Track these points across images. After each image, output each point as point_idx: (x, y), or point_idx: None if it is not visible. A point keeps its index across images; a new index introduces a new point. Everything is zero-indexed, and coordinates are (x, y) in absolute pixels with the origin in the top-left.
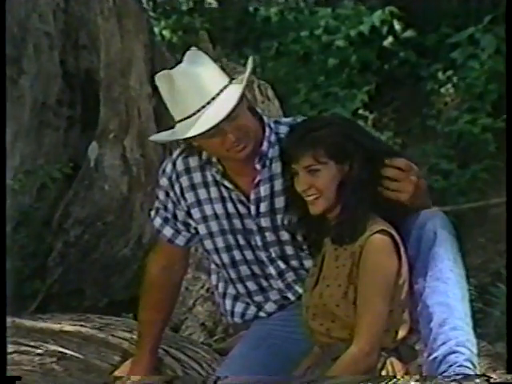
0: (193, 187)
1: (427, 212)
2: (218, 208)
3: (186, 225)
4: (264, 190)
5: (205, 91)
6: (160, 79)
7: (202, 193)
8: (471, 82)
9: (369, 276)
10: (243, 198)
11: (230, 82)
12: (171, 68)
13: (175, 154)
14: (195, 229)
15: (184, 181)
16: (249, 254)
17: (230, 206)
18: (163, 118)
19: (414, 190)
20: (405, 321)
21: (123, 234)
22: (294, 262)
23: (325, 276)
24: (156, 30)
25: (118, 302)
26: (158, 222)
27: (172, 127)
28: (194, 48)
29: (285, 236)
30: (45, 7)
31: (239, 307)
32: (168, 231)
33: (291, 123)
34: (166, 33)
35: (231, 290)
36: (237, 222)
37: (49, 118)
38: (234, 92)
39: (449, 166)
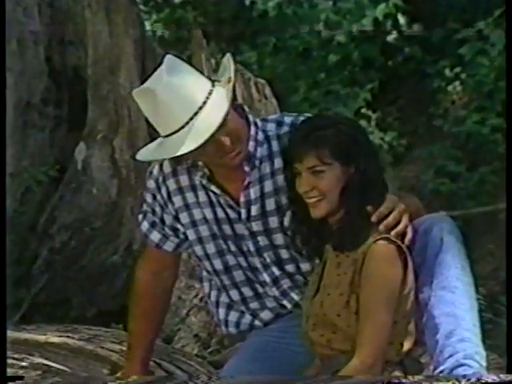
0: (180, 190)
1: (433, 217)
2: (208, 212)
3: (175, 230)
4: (254, 192)
5: (191, 101)
6: (140, 95)
7: (190, 196)
8: (480, 80)
9: (371, 285)
10: (232, 203)
11: (213, 86)
12: (145, 80)
13: (155, 167)
14: (184, 234)
15: (171, 184)
16: (242, 260)
17: (219, 210)
18: None
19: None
20: (410, 333)
21: (112, 240)
22: (290, 267)
23: (326, 284)
24: (147, 24)
25: (107, 312)
26: (145, 226)
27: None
28: (170, 55)
29: (278, 240)
30: (29, 0)
31: (233, 316)
32: (155, 236)
33: (279, 120)
34: (157, 27)
35: (224, 299)
36: (227, 228)
37: (34, 117)
38: (221, 97)
39: (456, 168)
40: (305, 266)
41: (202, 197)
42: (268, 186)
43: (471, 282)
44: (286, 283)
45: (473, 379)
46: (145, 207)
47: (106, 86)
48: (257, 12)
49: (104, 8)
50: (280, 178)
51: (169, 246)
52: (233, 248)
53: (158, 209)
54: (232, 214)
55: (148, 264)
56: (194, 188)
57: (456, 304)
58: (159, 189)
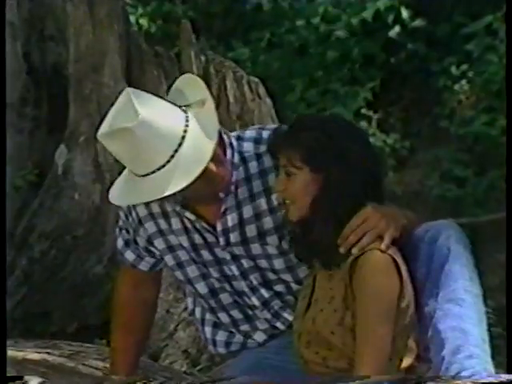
0: (152, 217)
1: (439, 224)
2: (183, 240)
3: (149, 252)
4: (231, 219)
5: (171, 134)
6: (113, 136)
7: (163, 223)
8: (489, 78)
9: (366, 299)
10: (209, 228)
11: (186, 112)
12: (101, 122)
13: None
14: (160, 256)
15: (141, 210)
16: (226, 285)
17: (196, 236)
18: None
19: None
20: (411, 348)
21: (95, 249)
22: (279, 287)
23: (318, 299)
24: (132, 18)
25: (90, 327)
26: (119, 243)
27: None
28: (129, 88)
29: (263, 264)
30: None
31: (222, 335)
32: (130, 255)
33: (256, 137)
34: (143, 22)
35: (210, 317)
36: (206, 253)
37: (11, 118)
38: (202, 123)
39: (463, 172)
40: (295, 286)
41: (176, 224)
42: (247, 211)
43: (480, 294)
44: (276, 304)
45: (473, 379)
46: (120, 222)
47: (89, 85)
48: (250, 5)
49: (87, 1)
50: (262, 202)
51: (144, 266)
52: (215, 274)
53: (130, 230)
54: (210, 238)
55: (127, 278)
56: (165, 215)
57: (464, 318)
58: (130, 212)
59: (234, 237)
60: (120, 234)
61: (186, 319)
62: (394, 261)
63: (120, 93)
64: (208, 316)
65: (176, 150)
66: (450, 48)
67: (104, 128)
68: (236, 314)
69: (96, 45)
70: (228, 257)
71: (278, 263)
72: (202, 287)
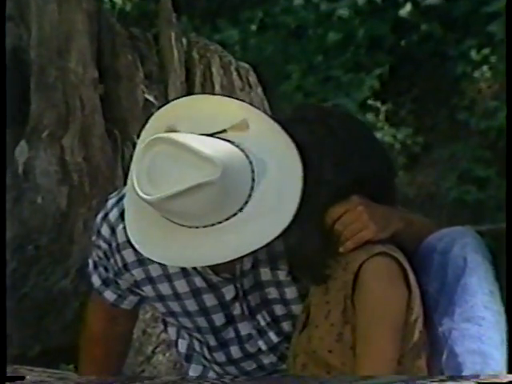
0: (141, 263)
1: (454, 231)
2: (181, 286)
3: (134, 292)
4: (248, 261)
5: (243, 172)
6: (182, 195)
7: (155, 269)
8: None
9: (368, 311)
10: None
11: (245, 153)
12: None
13: (112, 212)
14: (147, 297)
15: (128, 255)
16: (230, 332)
17: (197, 280)
18: (113, 110)
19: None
20: (420, 370)
21: (61, 261)
22: (288, 326)
23: (313, 315)
24: None
25: (55, 350)
26: (96, 281)
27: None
28: (163, 136)
29: (273, 293)
30: None
31: (214, 375)
32: (110, 295)
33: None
34: None
35: (200, 355)
36: (209, 298)
37: None
38: (266, 162)
39: (485, 172)
40: None
41: (172, 268)
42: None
43: (501, 311)
44: (284, 347)
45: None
46: (95, 257)
47: (54, 72)
48: None
49: None
50: None
51: (127, 305)
52: (218, 322)
53: (110, 270)
54: (215, 279)
55: (100, 311)
56: None
57: (483, 339)
58: (113, 254)
59: (247, 263)
60: (95, 271)
61: (165, 341)
62: (401, 267)
63: (88, 81)
64: (194, 352)
65: (252, 188)
66: (470, 29)
67: (150, 189)
68: (236, 352)
69: (61, 26)
70: (241, 293)
71: (290, 292)
72: (199, 336)
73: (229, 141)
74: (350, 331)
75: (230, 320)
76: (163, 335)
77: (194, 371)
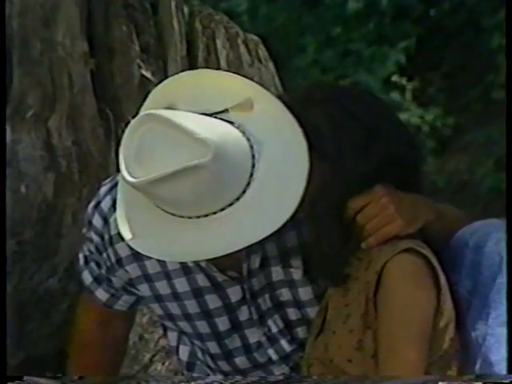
0: (136, 258)
1: (488, 225)
2: (180, 284)
3: (129, 291)
4: (257, 259)
5: (242, 155)
6: (170, 179)
7: (152, 265)
8: None
9: (393, 317)
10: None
11: (247, 136)
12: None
13: (104, 200)
14: (143, 296)
15: (122, 249)
16: (236, 340)
17: (200, 278)
18: (105, 87)
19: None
20: None
21: (48, 257)
22: (301, 332)
23: (330, 319)
24: None
25: (40, 357)
26: (87, 278)
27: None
28: (154, 113)
29: (285, 294)
30: None
31: None
32: (102, 295)
33: None
34: None
35: (203, 363)
36: (213, 299)
37: None
38: (271, 146)
39: None
40: None
41: (172, 264)
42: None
43: None
44: (297, 356)
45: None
46: (86, 251)
47: (38, 45)
48: None
49: None
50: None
51: (122, 306)
52: (222, 327)
53: (103, 265)
54: (221, 277)
55: (92, 313)
56: None
57: None
58: (105, 248)
59: (255, 261)
60: (86, 267)
61: (165, 348)
62: (430, 265)
63: (78, 55)
64: (199, 361)
65: (251, 175)
66: None
67: (138, 171)
68: (242, 362)
69: None
70: (248, 296)
71: (304, 293)
72: (200, 343)
73: (230, 122)
74: (372, 338)
75: (236, 325)
76: (162, 341)
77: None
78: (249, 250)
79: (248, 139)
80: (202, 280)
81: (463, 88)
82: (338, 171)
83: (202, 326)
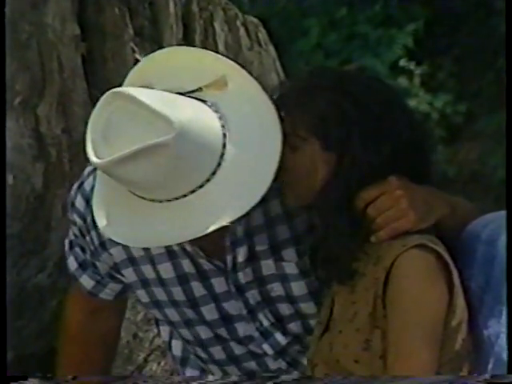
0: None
1: (501, 217)
2: (165, 270)
3: (114, 278)
4: (242, 251)
5: (212, 137)
6: (131, 159)
7: (136, 249)
8: None
9: (402, 316)
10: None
11: (219, 115)
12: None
13: (88, 180)
14: (130, 283)
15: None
16: (224, 332)
17: (185, 263)
18: (97, 72)
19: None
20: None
21: (36, 251)
22: (296, 327)
23: (336, 318)
24: None
25: (29, 357)
26: (72, 264)
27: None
28: (119, 90)
29: (277, 289)
30: None
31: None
32: (87, 282)
33: None
34: None
35: (197, 359)
36: (198, 286)
37: None
38: (242, 126)
39: None
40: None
41: (155, 248)
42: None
43: None
44: (295, 350)
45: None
46: (72, 236)
47: (27, 28)
48: None
49: None
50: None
51: (107, 294)
52: (209, 316)
53: (87, 250)
54: (207, 266)
55: (81, 303)
56: None
57: None
58: (88, 231)
59: (241, 253)
60: (71, 251)
61: (160, 347)
62: (443, 262)
63: (68, 38)
64: (191, 355)
65: (219, 164)
66: None
67: (105, 151)
68: (233, 370)
69: None
70: (233, 289)
71: (298, 288)
72: (188, 334)
73: (203, 100)
74: (380, 338)
75: (225, 317)
76: (157, 340)
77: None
78: (234, 241)
79: (220, 118)
80: (187, 266)
81: (475, 73)
82: (345, 161)
83: (190, 314)
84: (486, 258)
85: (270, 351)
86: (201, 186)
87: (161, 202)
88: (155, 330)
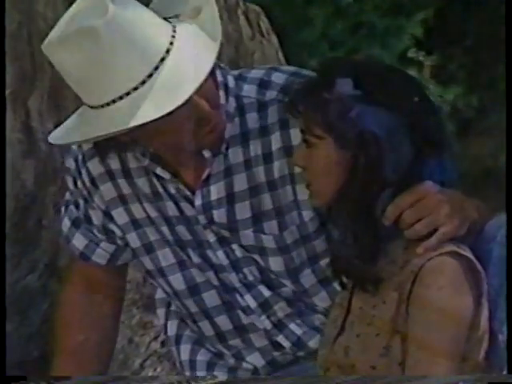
0: (109, 175)
1: None
2: (152, 210)
3: (108, 232)
4: (217, 190)
5: (150, 47)
6: (65, 41)
7: (125, 185)
8: None
9: (425, 323)
10: (188, 193)
11: (174, 27)
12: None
13: None
14: (122, 239)
15: (94, 166)
16: (212, 278)
17: (169, 205)
18: None
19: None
20: None
21: (27, 251)
22: (285, 291)
23: (354, 320)
24: None
25: (19, 364)
26: (66, 224)
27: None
28: None
29: (269, 241)
30: None
31: (204, 355)
32: (80, 241)
33: (263, 80)
34: None
35: (189, 332)
36: (183, 230)
37: None
38: (194, 39)
39: None
40: (307, 280)
41: (143, 186)
42: (240, 182)
43: None
44: (281, 309)
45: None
46: (67, 195)
47: (17, 16)
48: None
49: None
50: (260, 171)
51: (100, 257)
52: (196, 259)
53: (81, 201)
54: (189, 211)
55: (76, 280)
56: (128, 173)
57: None
58: (80, 172)
59: (218, 216)
60: (66, 212)
61: (157, 352)
62: (474, 271)
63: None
64: (186, 331)
65: (156, 68)
66: None
67: (55, 32)
68: (223, 321)
69: None
70: (213, 238)
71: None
72: (178, 281)
73: (171, 23)
74: (400, 344)
75: (210, 268)
76: (154, 344)
77: (183, 353)
78: (207, 180)
79: (173, 35)
80: (171, 209)
81: (487, 64)
82: (363, 161)
83: (184, 256)
84: (502, 260)
85: (252, 304)
86: (134, 89)
87: (102, 106)
88: (151, 335)
